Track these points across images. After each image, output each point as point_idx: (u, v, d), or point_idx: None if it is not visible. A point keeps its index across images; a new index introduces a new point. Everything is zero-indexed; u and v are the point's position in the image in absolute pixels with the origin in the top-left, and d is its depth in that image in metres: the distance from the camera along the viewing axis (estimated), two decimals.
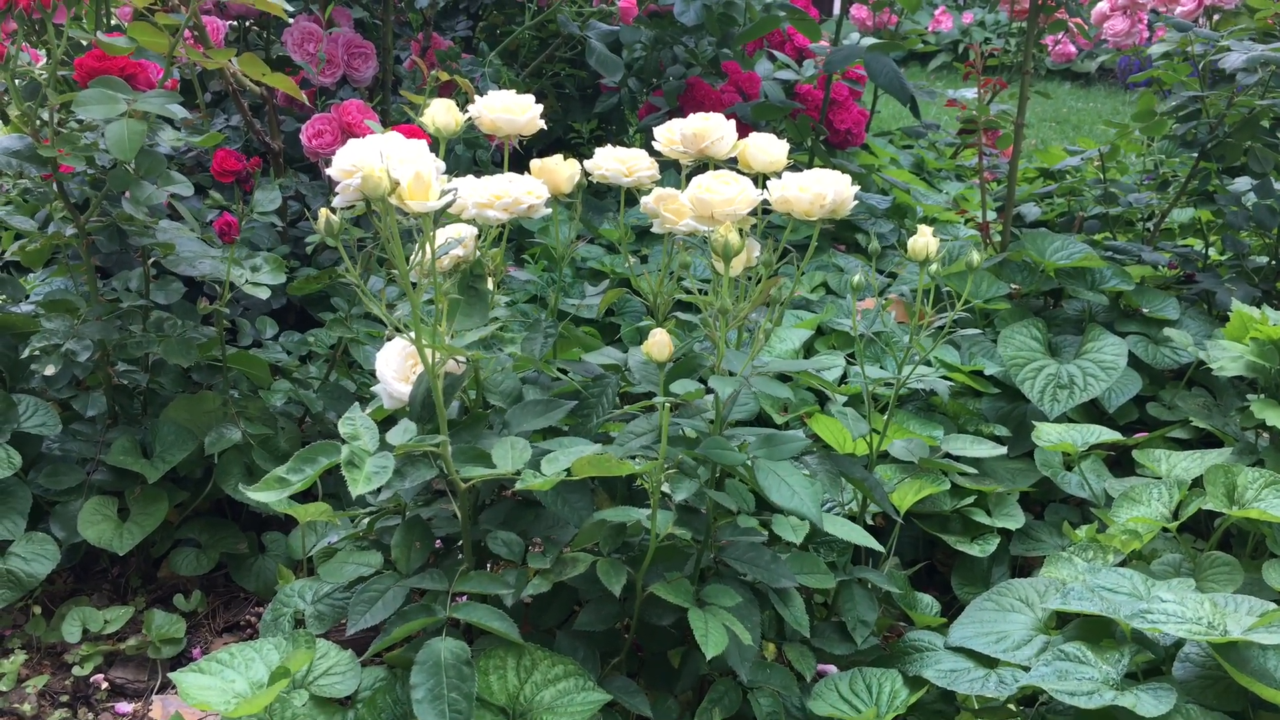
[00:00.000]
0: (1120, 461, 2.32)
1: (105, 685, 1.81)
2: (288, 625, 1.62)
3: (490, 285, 1.56)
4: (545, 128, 1.68)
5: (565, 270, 1.74)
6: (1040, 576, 1.74)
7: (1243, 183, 2.83)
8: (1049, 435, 2.06)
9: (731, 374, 1.37)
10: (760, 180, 1.48)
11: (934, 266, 1.61)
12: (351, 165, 1.21)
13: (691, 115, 1.51)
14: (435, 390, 1.34)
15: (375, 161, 1.18)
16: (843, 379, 2.32)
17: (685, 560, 1.49)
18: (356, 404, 1.39)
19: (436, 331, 1.32)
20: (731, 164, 1.53)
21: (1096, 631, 1.46)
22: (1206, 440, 2.27)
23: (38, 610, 1.90)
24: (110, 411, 2.03)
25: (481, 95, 2.94)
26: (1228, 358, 2.05)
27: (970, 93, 3.63)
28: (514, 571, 1.45)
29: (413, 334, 1.32)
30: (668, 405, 1.30)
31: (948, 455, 1.71)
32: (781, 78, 3.30)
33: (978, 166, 2.73)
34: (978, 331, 1.67)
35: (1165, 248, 2.75)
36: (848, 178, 1.44)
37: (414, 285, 1.30)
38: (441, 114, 1.35)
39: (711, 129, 1.49)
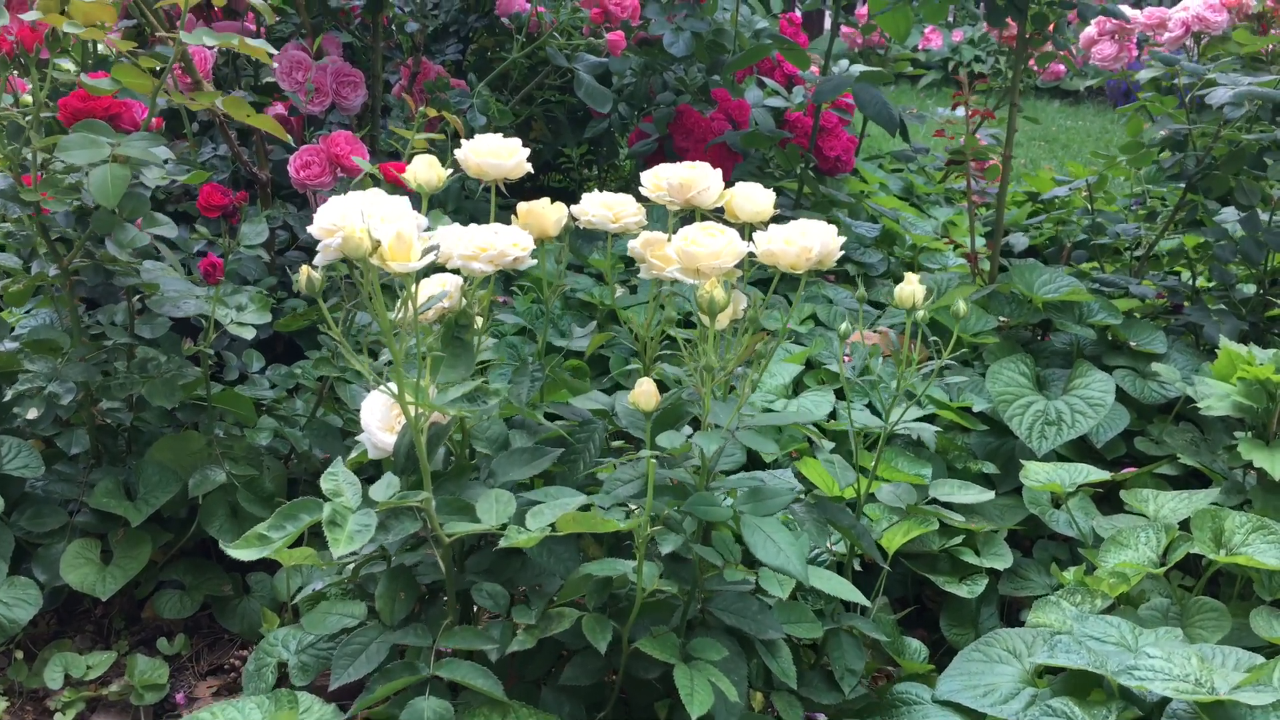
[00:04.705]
0: (1108, 497, 2.31)
1: None
2: (271, 676, 1.61)
3: (478, 323, 1.55)
4: (531, 170, 1.67)
5: (554, 303, 1.73)
6: (1028, 627, 1.74)
7: (1229, 212, 2.84)
8: (1037, 475, 2.05)
9: (718, 426, 1.37)
10: (747, 231, 1.48)
11: (920, 314, 1.61)
12: (332, 224, 1.20)
13: (680, 164, 1.51)
14: (419, 445, 1.33)
15: (356, 221, 1.18)
16: (832, 415, 2.31)
17: (672, 611, 1.48)
18: (339, 459, 1.38)
19: (419, 387, 1.32)
20: (718, 213, 1.53)
21: (1085, 683, 1.46)
22: (1194, 475, 2.27)
23: (19, 655, 1.88)
24: (94, 450, 2.02)
25: (470, 126, 2.93)
26: (1215, 397, 2.05)
27: (959, 111, 3.63)
28: (499, 626, 1.44)
29: (396, 388, 1.31)
30: (653, 461, 1.29)
31: (935, 501, 1.70)
32: (771, 105, 3.30)
33: (966, 195, 2.74)
34: (964, 379, 1.66)
35: (1153, 279, 2.76)
36: (833, 228, 1.43)
37: (396, 336, 1.29)
38: (424, 170, 1.35)
39: (698, 179, 1.48)
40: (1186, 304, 2.75)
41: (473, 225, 1.49)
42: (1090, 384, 2.31)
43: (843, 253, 2.96)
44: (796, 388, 2.38)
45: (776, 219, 2.96)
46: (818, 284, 2.85)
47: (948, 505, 1.75)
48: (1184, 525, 1.92)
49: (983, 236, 3.01)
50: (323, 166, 2.53)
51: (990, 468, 2.23)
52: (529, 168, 1.67)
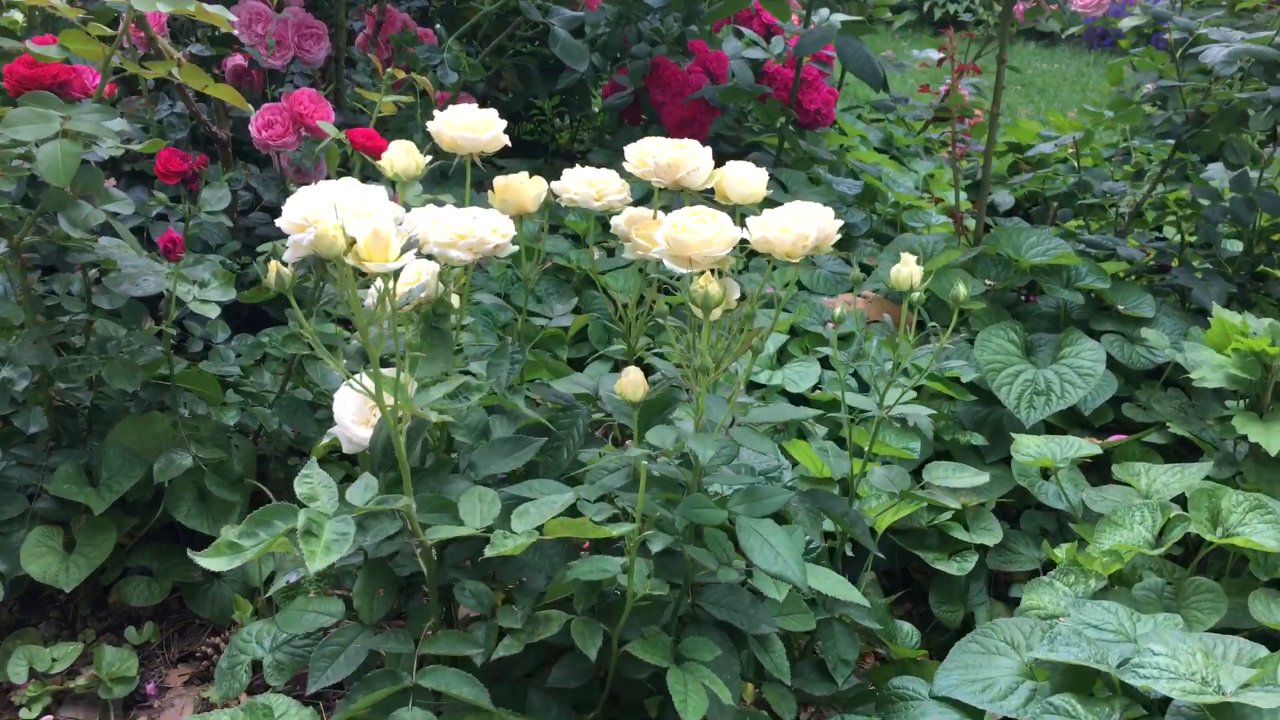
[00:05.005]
0: (1097, 465, 2.28)
1: None
2: (245, 676, 1.55)
3: (455, 303, 1.48)
4: (508, 143, 1.59)
5: (533, 281, 1.65)
6: (1023, 611, 1.70)
7: (1215, 169, 2.79)
8: (1028, 449, 2.01)
9: (713, 422, 1.30)
10: (738, 215, 1.41)
11: (917, 295, 1.55)
12: (302, 218, 1.12)
13: (667, 142, 1.43)
14: (398, 447, 1.26)
15: (329, 215, 1.09)
16: (816, 386, 2.26)
17: (663, 608, 1.43)
18: (314, 459, 1.31)
19: (399, 384, 1.24)
20: (708, 193, 1.45)
21: (1085, 676, 1.42)
22: (1183, 443, 2.24)
23: None
24: (53, 431, 1.93)
25: (440, 83, 2.81)
26: (1208, 368, 2.01)
27: (934, 54, 3.54)
28: (483, 627, 1.39)
29: (372, 386, 1.24)
30: (644, 463, 1.23)
31: (928, 485, 1.66)
32: (750, 56, 3.20)
33: (951, 154, 2.67)
34: (963, 363, 1.60)
35: (1139, 238, 2.71)
36: (829, 211, 1.36)
37: (369, 329, 1.22)
38: (401, 157, 1.26)
39: (686, 159, 1.41)
40: (1175, 263, 2.71)
41: (449, 208, 1.41)
42: (1080, 352, 2.27)
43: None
44: (781, 357, 2.32)
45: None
46: None
47: (941, 490, 1.70)
48: (1178, 500, 1.89)
49: (965, 192, 2.94)
50: (286, 126, 2.43)
51: (979, 439, 2.19)
52: (506, 140, 1.59)
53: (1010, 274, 2.53)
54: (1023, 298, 2.64)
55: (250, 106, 1.71)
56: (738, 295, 1.34)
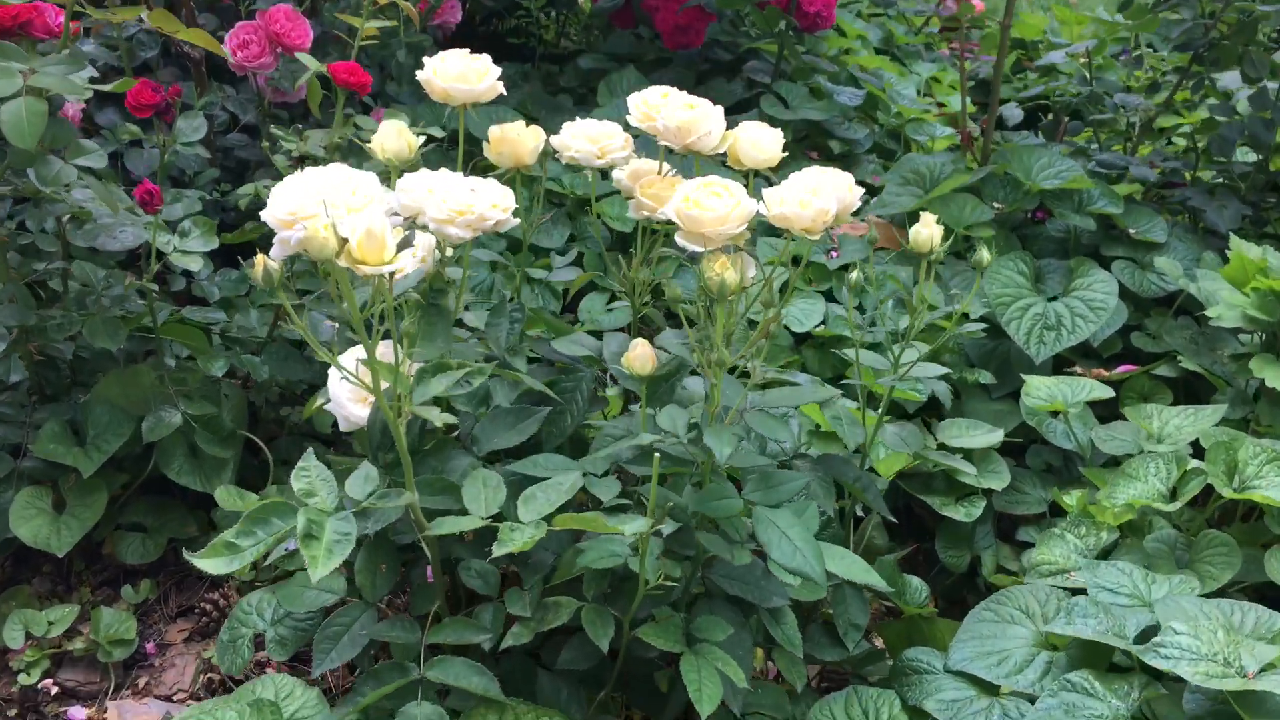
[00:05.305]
0: (1105, 400, 2.24)
1: (55, 689, 1.72)
2: (247, 650, 1.52)
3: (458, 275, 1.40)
4: (503, 91, 1.49)
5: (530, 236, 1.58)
6: (1034, 566, 1.69)
7: (1230, 78, 2.69)
8: (1038, 392, 1.97)
9: (728, 408, 1.25)
10: (750, 181, 1.33)
11: (936, 254, 1.47)
12: (289, 214, 1.04)
13: (678, 105, 1.33)
14: (398, 438, 1.20)
15: (318, 211, 1.01)
16: (821, 322, 2.20)
17: (673, 587, 1.40)
18: (310, 450, 1.25)
19: (399, 373, 1.18)
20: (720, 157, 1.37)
21: (1103, 646, 1.40)
22: (1193, 376, 2.20)
23: None
24: (35, 385, 1.87)
25: None
26: (1225, 307, 1.96)
27: None
28: (489, 610, 1.35)
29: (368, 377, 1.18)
30: (656, 456, 1.18)
31: (943, 446, 1.62)
32: None
33: (960, 70, 2.56)
34: (982, 333, 1.53)
35: (1154, 158, 2.62)
36: (849, 178, 1.29)
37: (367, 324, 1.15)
38: (392, 139, 1.17)
39: (698, 121, 1.32)
40: (1188, 177, 2.62)
41: (445, 174, 1.32)
42: (1091, 284, 2.21)
43: (827, 125, 2.75)
44: (782, 290, 2.25)
45: (747, 103, 2.75)
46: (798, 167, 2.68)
47: (955, 451, 1.66)
48: (1193, 447, 1.86)
49: (971, 96, 2.84)
50: (262, 46, 2.29)
51: (987, 377, 2.14)
52: (501, 89, 1.50)
53: (1019, 196, 2.45)
54: (1031, 216, 2.57)
55: (224, 50, 1.60)
56: (753, 273, 1.27)
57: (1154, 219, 2.42)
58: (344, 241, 1.00)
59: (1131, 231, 2.40)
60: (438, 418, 1.14)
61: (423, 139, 1.25)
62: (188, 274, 2.10)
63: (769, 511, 1.23)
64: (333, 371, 1.38)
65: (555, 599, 1.32)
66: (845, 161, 2.77)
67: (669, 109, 1.34)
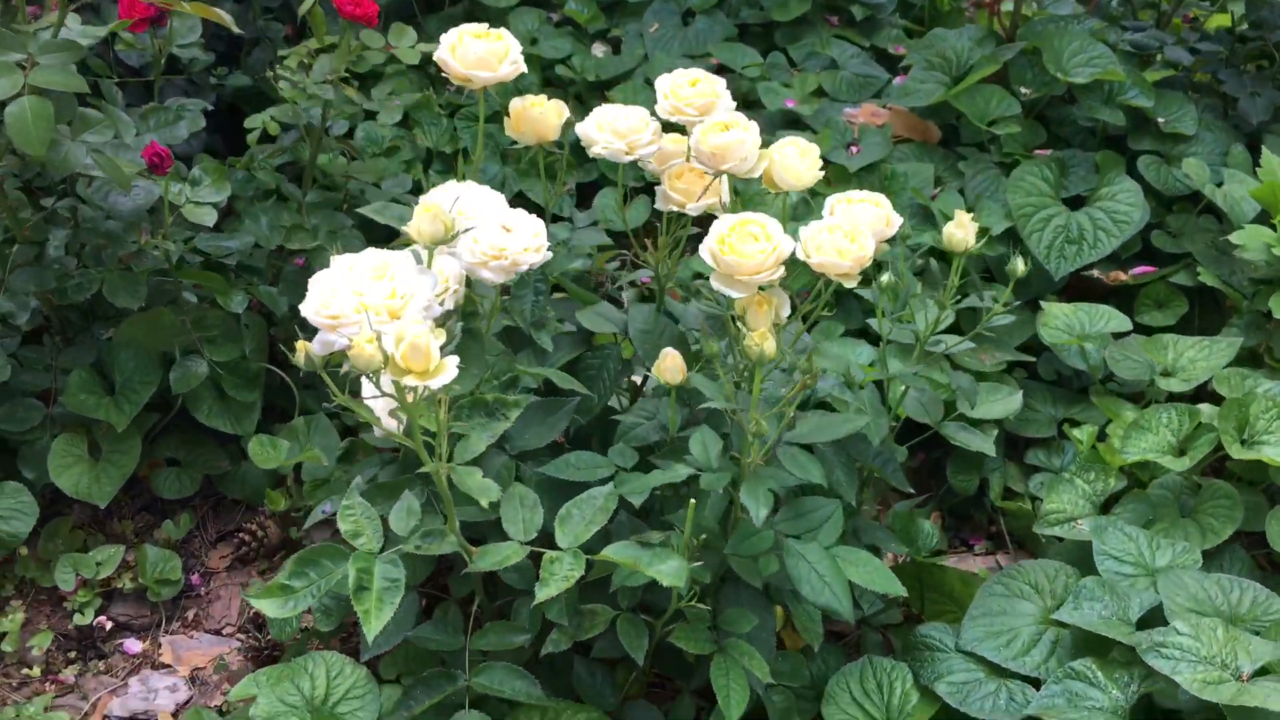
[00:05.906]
0: (1118, 294, 2.23)
1: (110, 625, 1.82)
2: (295, 622, 1.61)
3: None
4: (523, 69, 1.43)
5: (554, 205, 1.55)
6: (1043, 517, 1.75)
7: None
8: (1056, 320, 1.98)
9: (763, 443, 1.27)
10: (784, 204, 1.30)
11: (969, 247, 1.45)
12: (330, 317, 1.03)
13: (715, 128, 1.28)
14: (442, 490, 1.23)
15: (357, 319, 1.00)
16: None
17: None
18: (354, 488, 1.28)
19: (444, 445, 1.20)
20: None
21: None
22: (1207, 292, 2.18)
23: (23, 550, 1.85)
24: (58, 327, 1.88)
25: None
26: (1250, 238, 1.94)
27: None
28: (526, 605, 1.42)
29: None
30: (693, 502, 1.22)
31: (961, 417, 1.64)
32: None
33: None
34: (1010, 318, 1.51)
35: (1187, 36, 2.50)
36: (884, 211, 1.26)
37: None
38: (427, 224, 1.13)
39: (733, 146, 1.27)
40: (1222, 54, 2.52)
41: (472, 186, 1.29)
42: (1116, 194, 2.17)
43: None
44: (804, 202, 2.22)
45: None
46: (819, 36, 2.57)
47: (979, 424, 1.68)
48: (1204, 388, 1.89)
49: None
50: None
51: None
52: (524, 68, 1.44)
53: (1046, 82, 2.36)
54: (1056, 102, 2.48)
55: (228, 20, 1.51)
56: (787, 312, 1.26)
57: (1184, 107, 2.35)
58: (389, 358, 1.00)
59: (1160, 121, 2.34)
60: (481, 492, 1.17)
61: (460, 217, 1.20)
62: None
63: (798, 544, 1.28)
64: (366, 384, 1.39)
65: (591, 607, 1.38)
66: (867, 27, 2.65)
67: (707, 131, 1.28)
